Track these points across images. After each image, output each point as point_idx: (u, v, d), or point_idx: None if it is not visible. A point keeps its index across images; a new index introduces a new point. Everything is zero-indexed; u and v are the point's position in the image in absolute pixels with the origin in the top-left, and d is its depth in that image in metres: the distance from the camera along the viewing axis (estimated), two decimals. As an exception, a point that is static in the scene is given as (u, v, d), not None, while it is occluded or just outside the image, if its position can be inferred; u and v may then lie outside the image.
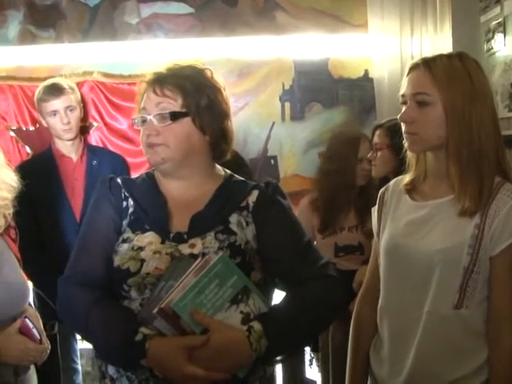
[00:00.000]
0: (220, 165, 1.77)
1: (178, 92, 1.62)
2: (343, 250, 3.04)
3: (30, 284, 2.32)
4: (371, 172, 2.92)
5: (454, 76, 1.62)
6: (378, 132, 2.73)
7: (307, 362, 3.41)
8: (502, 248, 1.58)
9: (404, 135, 1.68)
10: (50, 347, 1.96)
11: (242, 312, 1.50)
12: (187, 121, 1.62)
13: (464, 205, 1.60)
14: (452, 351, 1.62)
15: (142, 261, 1.57)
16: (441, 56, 1.67)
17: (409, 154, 1.75)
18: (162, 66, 1.68)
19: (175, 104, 1.61)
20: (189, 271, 1.48)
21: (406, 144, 1.70)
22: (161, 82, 1.63)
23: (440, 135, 1.63)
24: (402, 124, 1.68)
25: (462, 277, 1.60)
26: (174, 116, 1.61)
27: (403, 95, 1.68)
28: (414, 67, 1.67)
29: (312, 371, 3.37)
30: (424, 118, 1.63)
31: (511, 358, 1.57)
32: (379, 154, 2.66)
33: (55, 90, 3.02)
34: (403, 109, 1.68)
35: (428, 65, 1.63)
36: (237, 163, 2.77)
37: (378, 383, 1.78)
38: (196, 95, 1.62)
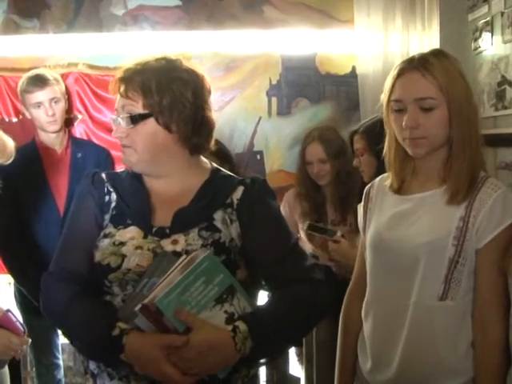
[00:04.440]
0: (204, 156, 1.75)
1: (139, 93, 1.59)
2: None
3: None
4: (324, 172, 3.04)
5: (451, 76, 1.62)
6: (355, 138, 2.69)
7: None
8: (488, 240, 1.60)
9: (407, 140, 1.66)
10: (30, 340, 1.94)
11: (226, 312, 1.49)
12: (151, 121, 1.60)
13: (456, 192, 1.62)
14: (440, 342, 1.63)
15: (123, 256, 1.56)
16: (429, 56, 1.65)
17: (392, 157, 1.74)
18: (130, 62, 1.66)
19: (137, 106, 1.60)
20: (173, 267, 1.47)
21: (408, 148, 1.67)
22: (126, 82, 1.61)
23: (444, 136, 1.64)
24: (401, 130, 1.65)
25: (446, 268, 1.61)
26: (135, 119, 1.59)
27: (399, 100, 1.65)
28: (406, 70, 1.64)
29: (296, 368, 3.38)
30: (431, 121, 1.62)
31: (497, 350, 1.59)
32: (362, 159, 2.65)
33: (39, 82, 2.98)
34: (396, 114, 1.65)
35: (425, 67, 1.61)
36: (219, 154, 2.78)
37: (364, 378, 1.79)
38: (158, 94, 1.59)
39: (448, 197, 1.63)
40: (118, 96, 1.64)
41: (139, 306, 1.42)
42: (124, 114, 1.61)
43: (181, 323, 1.42)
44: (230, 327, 1.46)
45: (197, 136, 1.64)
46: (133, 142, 1.61)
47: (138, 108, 1.59)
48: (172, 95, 1.60)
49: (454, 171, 1.64)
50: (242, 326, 1.46)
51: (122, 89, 1.61)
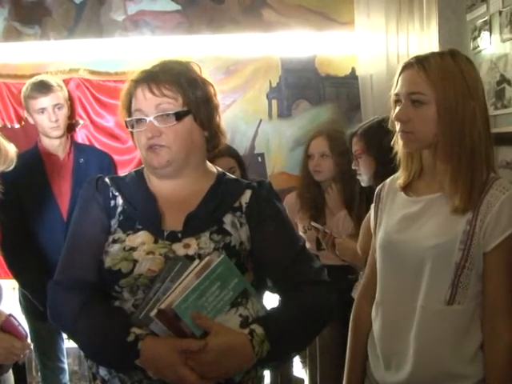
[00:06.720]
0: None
1: (176, 91, 1.58)
2: None
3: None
4: (320, 168, 3.05)
5: (447, 74, 1.62)
6: (354, 140, 2.68)
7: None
8: (496, 244, 1.59)
9: (399, 134, 1.68)
10: (32, 345, 1.95)
11: (241, 315, 1.49)
12: (189, 118, 1.60)
13: (454, 203, 1.61)
14: (447, 345, 1.63)
15: (135, 261, 1.55)
16: (434, 54, 1.67)
17: (401, 152, 1.75)
18: (148, 64, 1.64)
19: (176, 103, 1.58)
20: (188, 272, 1.46)
21: (400, 142, 1.70)
22: (156, 80, 1.58)
23: (435, 133, 1.64)
24: (396, 123, 1.68)
25: (453, 272, 1.61)
26: (179, 116, 1.58)
27: (397, 94, 1.68)
28: (407, 66, 1.67)
29: (300, 370, 3.38)
30: (419, 117, 1.63)
31: (508, 353, 1.58)
32: (360, 161, 2.64)
33: (43, 88, 3.00)
34: (397, 108, 1.67)
35: (422, 64, 1.63)
36: (236, 158, 2.81)
37: (375, 379, 1.79)
38: (192, 91, 1.60)
39: (451, 208, 1.62)
40: (144, 96, 1.58)
41: (155, 311, 1.41)
42: (158, 113, 1.57)
43: (198, 328, 1.42)
44: (246, 330, 1.46)
45: (218, 135, 1.68)
46: (168, 141, 1.58)
47: (177, 106, 1.58)
48: (204, 90, 1.62)
49: (441, 172, 1.64)
50: (258, 329, 1.47)
51: (155, 87, 1.57)
